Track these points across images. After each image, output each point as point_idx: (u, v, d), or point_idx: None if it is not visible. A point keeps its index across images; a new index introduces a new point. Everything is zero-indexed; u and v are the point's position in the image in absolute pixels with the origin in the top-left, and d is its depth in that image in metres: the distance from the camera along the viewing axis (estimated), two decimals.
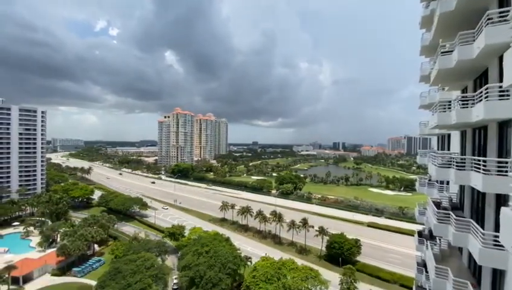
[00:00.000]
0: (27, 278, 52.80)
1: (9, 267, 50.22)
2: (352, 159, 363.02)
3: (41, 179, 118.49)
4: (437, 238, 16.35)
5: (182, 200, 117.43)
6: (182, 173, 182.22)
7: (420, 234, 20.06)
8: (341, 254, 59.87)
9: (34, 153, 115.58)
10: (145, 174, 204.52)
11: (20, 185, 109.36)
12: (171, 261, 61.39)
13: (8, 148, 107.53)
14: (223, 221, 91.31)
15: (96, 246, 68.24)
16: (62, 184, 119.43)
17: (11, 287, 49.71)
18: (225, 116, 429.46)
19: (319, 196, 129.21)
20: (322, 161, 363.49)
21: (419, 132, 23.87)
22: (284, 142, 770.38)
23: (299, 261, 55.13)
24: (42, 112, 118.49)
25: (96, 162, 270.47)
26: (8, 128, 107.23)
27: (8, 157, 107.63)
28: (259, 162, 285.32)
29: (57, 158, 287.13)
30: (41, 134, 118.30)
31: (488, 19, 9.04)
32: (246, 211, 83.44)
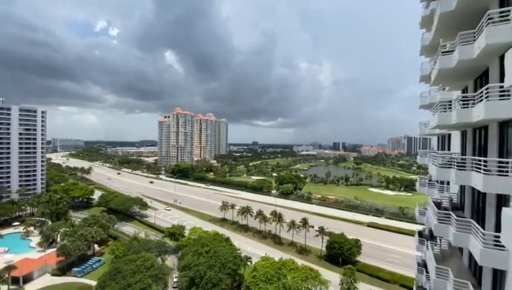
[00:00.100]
0: (27, 278, 52.79)
1: (10, 267, 50.22)
2: (352, 159, 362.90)
3: (41, 179, 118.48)
4: (437, 238, 16.32)
5: (182, 200, 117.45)
6: (182, 173, 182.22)
7: (420, 234, 20.02)
8: (341, 254, 59.84)
9: (34, 153, 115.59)
10: (145, 174, 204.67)
11: (20, 185, 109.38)
12: (171, 261, 61.39)
13: (8, 148, 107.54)
14: (223, 221, 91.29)
15: (96, 246, 68.24)
16: (62, 184, 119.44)
17: (11, 287, 49.70)
18: (225, 116, 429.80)
19: (319, 196, 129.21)
20: (322, 161, 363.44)
21: (420, 132, 23.82)
22: (284, 142, 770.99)
23: (299, 262, 55.11)
24: (42, 112, 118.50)
25: (96, 162, 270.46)
26: (8, 128, 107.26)
27: (8, 158, 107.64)
28: (259, 162, 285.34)
29: (57, 158, 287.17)
30: (41, 134, 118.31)
31: (489, 19, 9.02)
32: (246, 211, 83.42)
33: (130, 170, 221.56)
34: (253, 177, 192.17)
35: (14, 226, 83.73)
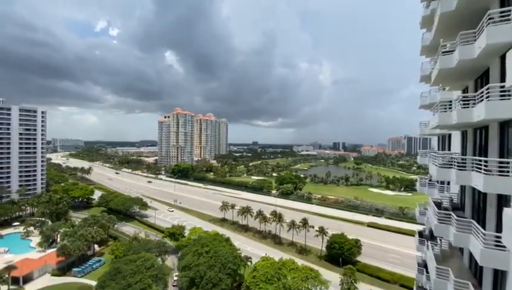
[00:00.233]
0: (27, 278, 52.79)
1: (10, 268, 50.24)
2: (352, 159, 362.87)
3: (42, 179, 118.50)
4: (438, 238, 16.30)
5: (182, 200, 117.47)
6: (182, 173, 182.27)
7: (421, 234, 19.99)
8: (341, 254, 59.82)
9: (34, 153, 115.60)
10: (145, 174, 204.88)
11: (20, 185, 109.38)
12: (171, 261, 61.38)
13: (8, 148, 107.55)
14: (223, 221, 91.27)
15: (96, 246, 68.24)
16: (62, 184, 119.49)
17: (11, 287, 49.69)
18: (225, 116, 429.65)
19: (319, 196, 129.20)
20: (322, 161, 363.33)
21: (420, 132, 23.80)
22: (284, 142, 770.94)
23: (299, 262, 55.10)
24: (42, 112, 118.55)
25: (96, 162, 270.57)
26: (8, 129, 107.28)
27: (8, 158, 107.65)
28: (259, 162, 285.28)
29: (57, 158, 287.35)
30: (41, 134, 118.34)
31: (490, 19, 9.01)
32: (246, 211, 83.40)
33: (130, 170, 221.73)
34: (253, 177, 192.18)
35: (14, 226, 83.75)
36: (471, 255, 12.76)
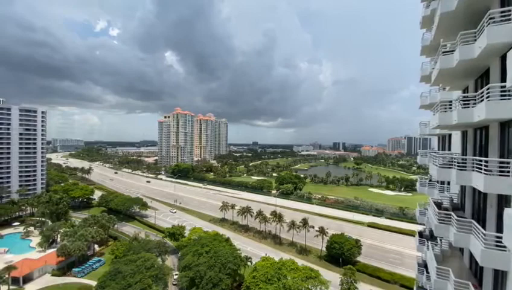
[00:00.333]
0: (27, 279, 52.75)
1: (9, 268, 50.19)
2: (352, 159, 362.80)
3: (42, 179, 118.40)
4: (438, 238, 16.29)
5: (182, 200, 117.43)
6: (182, 173, 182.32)
7: (421, 234, 19.98)
8: (341, 254, 59.78)
9: (34, 153, 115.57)
10: (145, 174, 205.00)
11: (20, 185, 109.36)
12: (171, 261, 61.36)
13: (8, 148, 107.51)
14: (223, 221, 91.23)
15: (96, 246, 68.23)
16: (62, 184, 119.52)
17: (11, 287, 49.69)
18: (225, 117, 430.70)
19: (319, 196, 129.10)
20: (322, 161, 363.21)
21: (420, 132, 23.82)
22: (284, 143, 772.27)
23: (300, 262, 55.03)
24: (42, 112, 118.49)
25: (96, 163, 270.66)
26: (8, 129, 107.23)
27: (8, 158, 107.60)
28: (260, 162, 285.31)
29: (57, 158, 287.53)
30: (42, 134, 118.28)
31: (490, 19, 9.00)
32: (246, 211, 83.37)
33: (130, 170, 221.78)
34: (253, 177, 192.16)
35: (14, 226, 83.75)
36: (471, 255, 12.75)
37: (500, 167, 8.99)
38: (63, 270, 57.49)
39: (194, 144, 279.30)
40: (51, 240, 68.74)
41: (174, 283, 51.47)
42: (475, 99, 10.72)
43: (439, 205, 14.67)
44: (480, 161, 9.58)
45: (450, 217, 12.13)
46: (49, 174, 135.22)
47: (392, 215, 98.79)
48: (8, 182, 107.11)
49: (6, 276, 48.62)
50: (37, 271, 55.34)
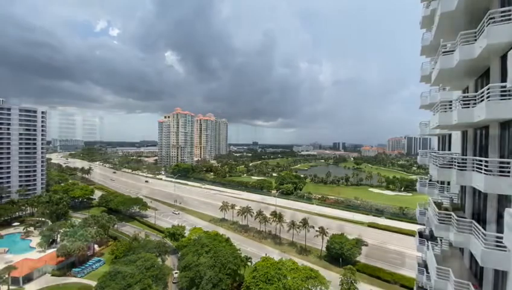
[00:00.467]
0: (27, 279, 52.71)
1: (9, 268, 50.20)
2: (352, 159, 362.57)
3: (42, 179, 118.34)
4: (438, 238, 16.28)
5: (181, 200, 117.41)
6: (182, 173, 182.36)
7: (421, 234, 19.98)
8: (341, 254, 59.78)
9: (34, 153, 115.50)
10: (144, 174, 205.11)
11: (20, 185, 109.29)
12: (171, 261, 61.35)
13: (8, 148, 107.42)
14: (223, 221, 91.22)
15: (96, 246, 68.19)
16: (62, 184, 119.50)
17: (11, 287, 49.66)
18: (225, 116, 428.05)
19: (319, 196, 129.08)
20: (322, 161, 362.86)
21: (420, 132, 23.79)
22: (284, 143, 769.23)
23: (300, 262, 55.04)
24: (42, 112, 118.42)
25: (96, 163, 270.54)
26: (8, 129, 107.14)
27: (8, 158, 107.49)
28: (260, 162, 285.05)
29: (57, 158, 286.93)
30: (42, 134, 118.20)
31: (490, 19, 8.99)
32: (246, 211, 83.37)
33: (130, 170, 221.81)
34: (253, 177, 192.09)
35: (14, 226, 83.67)
36: (471, 256, 12.73)
37: (501, 167, 8.98)
38: (63, 270, 57.42)
39: (194, 144, 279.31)
40: (50, 240, 68.70)
41: (174, 281, 51.55)
42: (475, 99, 10.71)
43: (439, 205, 14.67)
44: (481, 161, 9.57)
45: (450, 217, 12.13)
46: (49, 174, 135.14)
47: (392, 215, 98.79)
48: (8, 182, 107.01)
49: (6, 276, 48.62)
50: (37, 271, 55.29)
